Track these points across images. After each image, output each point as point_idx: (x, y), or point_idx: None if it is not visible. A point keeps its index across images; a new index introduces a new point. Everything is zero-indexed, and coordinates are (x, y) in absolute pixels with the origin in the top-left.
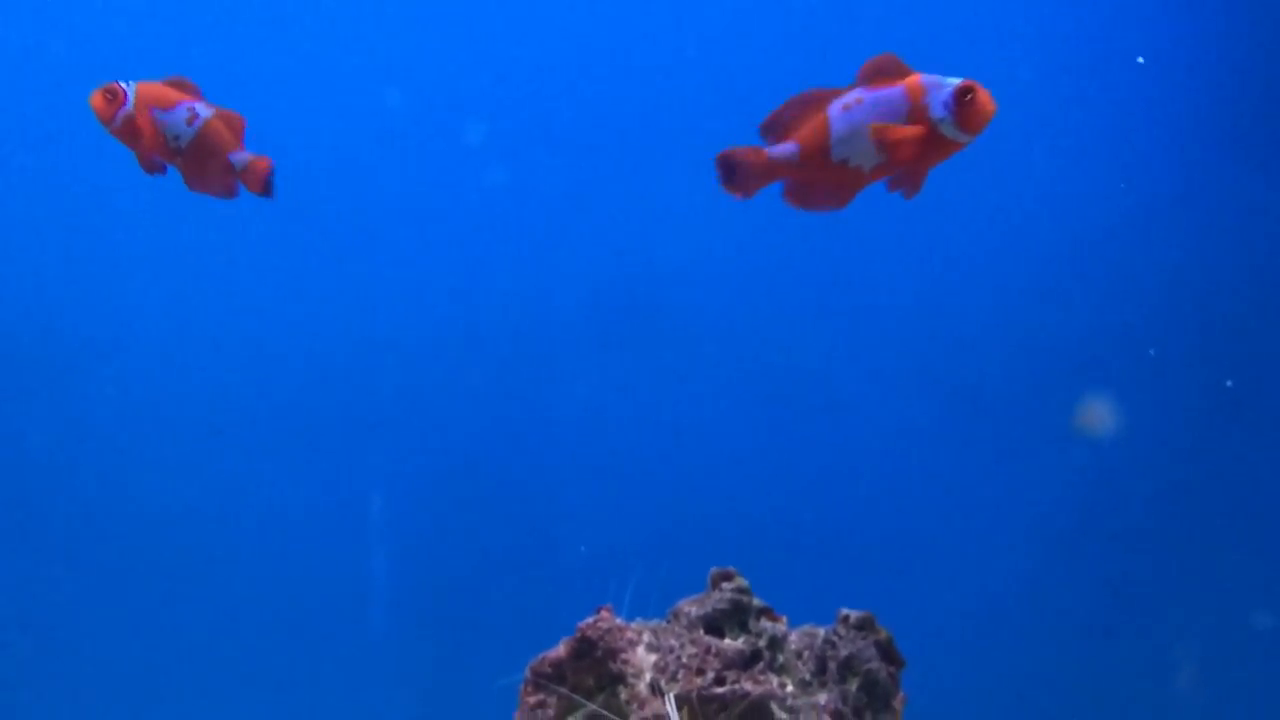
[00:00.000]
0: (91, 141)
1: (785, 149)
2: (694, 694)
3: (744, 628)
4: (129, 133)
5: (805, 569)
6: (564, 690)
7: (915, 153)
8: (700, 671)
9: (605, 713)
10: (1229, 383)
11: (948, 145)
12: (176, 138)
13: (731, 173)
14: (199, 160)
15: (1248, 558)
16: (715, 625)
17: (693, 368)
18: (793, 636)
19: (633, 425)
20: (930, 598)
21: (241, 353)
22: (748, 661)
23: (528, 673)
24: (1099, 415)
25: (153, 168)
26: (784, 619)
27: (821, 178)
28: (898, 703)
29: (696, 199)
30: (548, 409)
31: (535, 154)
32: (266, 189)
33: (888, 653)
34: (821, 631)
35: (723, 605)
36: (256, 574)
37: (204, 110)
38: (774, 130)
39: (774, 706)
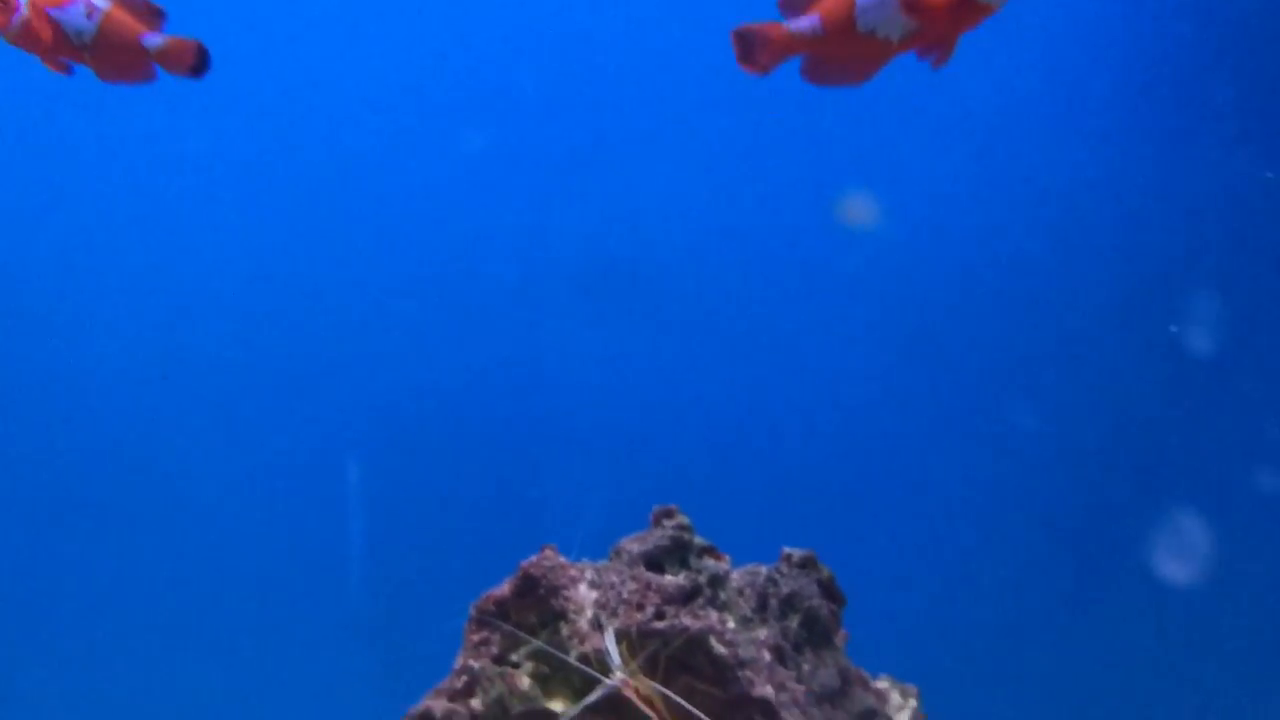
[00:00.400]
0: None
1: (807, 21)
2: (633, 629)
3: (685, 564)
4: (28, 38)
5: (755, 512)
6: (507, 627)
7: (948, 18)
8: (640, 607)
9: (547, 648)
10: (1173, 328)
11: (980, 9)
12: (79, 34)
13: (749, 48)
14: (107, 52)
15: (1200, 498)
16: (656, 562)
17: (652, 320)
18: (735, 574)
19: (594, 376)
20: (874, 538)
21: (218, 301)
22: (688, 597)
23: (472, 611)
24: (1050, 365)
25: (60, 68)
26: (727, 558)
27: (846, 51)
28: (839, 639)
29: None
30: (507, 359)
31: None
32: (196, 70)
33: (829, 590)
34: (764, 570)
35: (664, 542)
36: (220, 522)
37: (101, 2)
38: (794, 4)
39: (713, 640)
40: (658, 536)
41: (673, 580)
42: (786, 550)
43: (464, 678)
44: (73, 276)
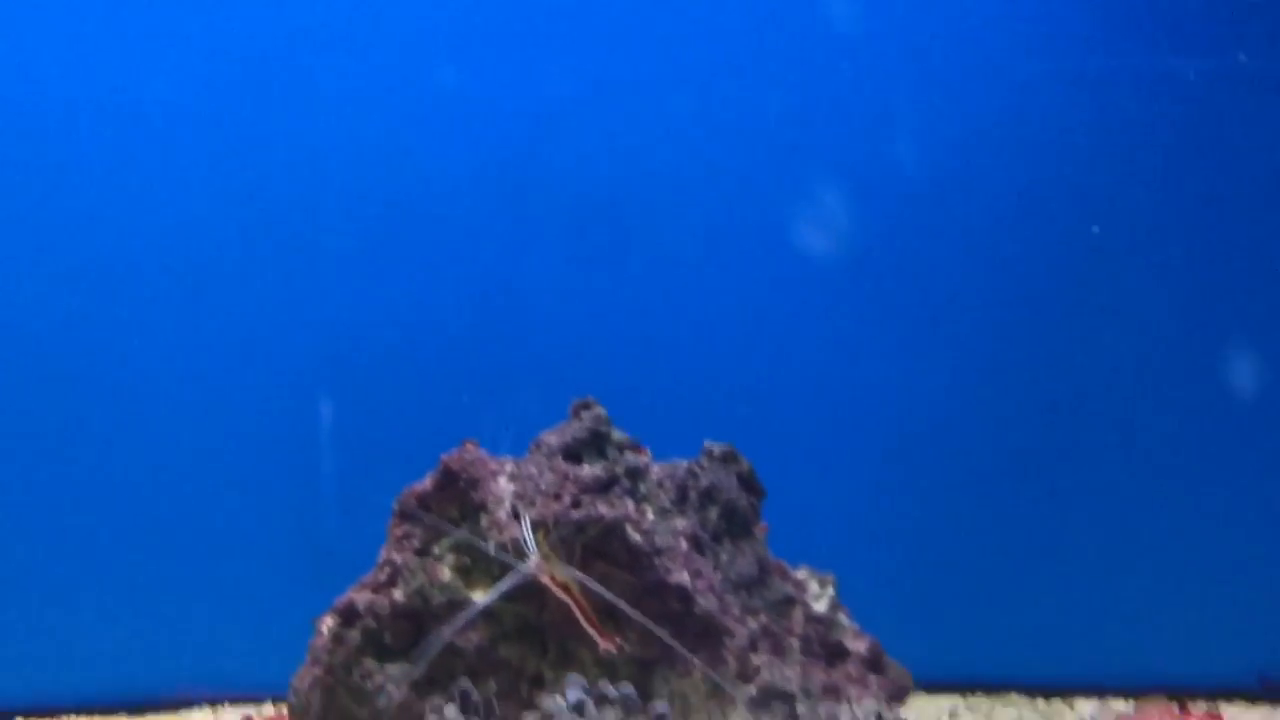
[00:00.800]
0: None
1: None
2: (550, 518)
3: (602, 455)
4: None
5: (687, 416)
6: (429, 519)
7: None
8: (557, 497)
9: (469, 536)
10: (1095, 228)
11: None
12: None
13: None
14: None
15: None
16: (574, 453)
17: (595, 236)
18: (655, 468)
19: (532, 289)
20: (797, 434)
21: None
22: (604, 486)
23: (395, 505)
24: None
25: None
26: (647, 452)
27: None
28: (759, 531)
29: None
30: (458, 281)
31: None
32: None
33: (748, 483)
34: (684, 464)
35: (581, 434)
36: (159, 431)
37: None
38: None
39: (628, 528)
40: (575, 428)
41: (590, 471)
42: (708, 444)
43: (387, 570)
44: (28, 198)
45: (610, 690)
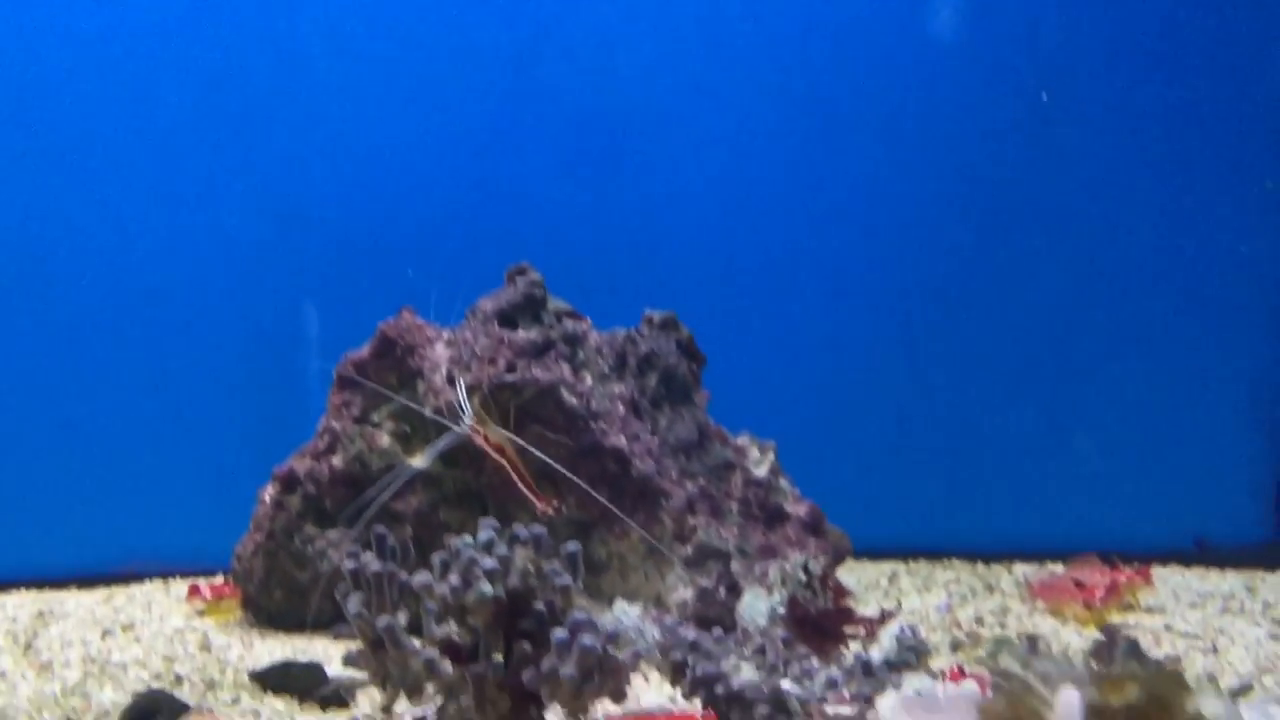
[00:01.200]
0: None
1: None
2: (485, 382)
3: (537, 320)
4: None
5: (628, 287)
6: (367, 387)
7: None
8: (492, 361)
9: (407, 402)
10: (1044, 96)
11: None
12: None
13: None
14: None
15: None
16: (509, 318)
17: (533, 109)
18: (594, 335)
19: (470, 162)
20: (739, 304)
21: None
22: (539, 351)
23: (334, 373)
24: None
25: None
26: (587, 319)
27: None
28: (699, 398)
29: None
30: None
31: None
32: None
33: (689, 350)
34: (624, 331)
35: (516, 299)
36: (110, 298)
37: None
38: None
39: (563, 392)
40: (510, 294)
41: (525, 335)
42: (648, 312)
43: (326, 438)
44: None
45: (521, 531)
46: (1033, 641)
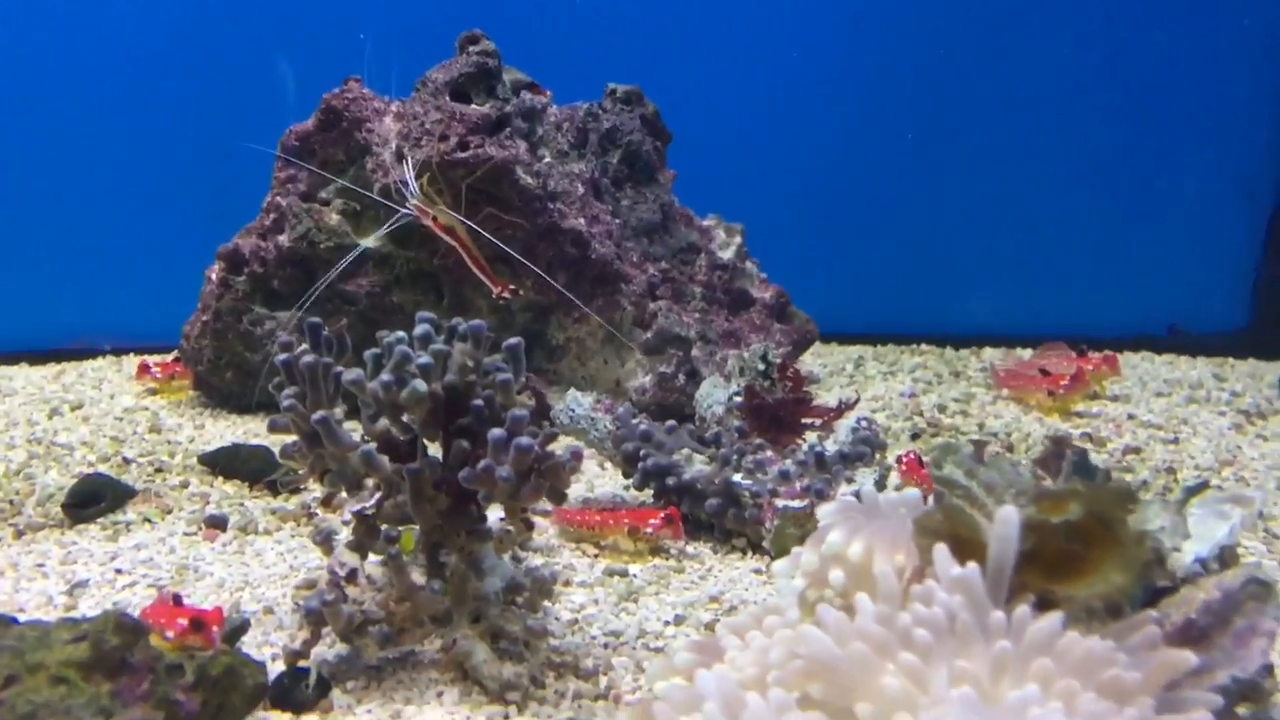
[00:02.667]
0: None
1: None
2: (435, 159)
3: (491, 93)
4: None
5: (589, 55)
6: (312, 165)
7: None
8: (443, 138)
9: (350, 185)
10: None
11: None
12: None
13: None
14: None
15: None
16: (461, 91)
17: None
18: (554, 110)
19: None
20: (705, 76)
21: None
22: (494, 126)
23: (278, 147)
24: None
25: None
26: (548, 93)
27: None
28: (664, 177)
29: None
30: None
31: None
32: None
33: (653, 126)
34: (585, 105)
35: (468, 69)
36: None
37: None
38: None
39: (519, 171)
40: (462, 63)
41: (477, 109)
42: (611, 86)
43: (272, 215)
44: None
45: (460, 324)
46: (979, 448)
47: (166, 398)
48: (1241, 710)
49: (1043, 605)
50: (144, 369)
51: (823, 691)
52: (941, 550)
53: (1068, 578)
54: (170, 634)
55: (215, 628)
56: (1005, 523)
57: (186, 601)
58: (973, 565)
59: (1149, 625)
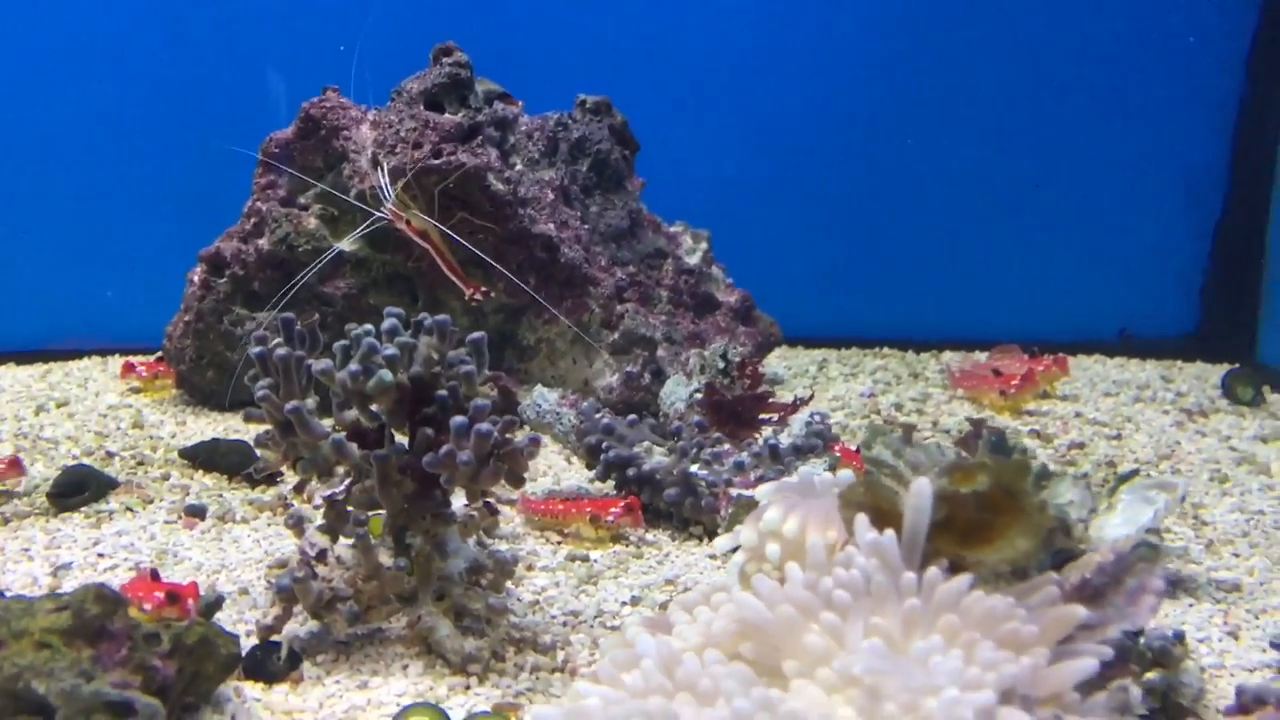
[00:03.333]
0: None
1: None
2: (409, 166)
3: (464, 103)
4: None
5: (559, 66)
6: (292, 170)
7: None
8: (417, 145)
9: (328, 189)
10: None
11: None
12: None
13: None
14: None
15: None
16: (435, 101)
17: None
18: (525, 119)
19: None
20: (671, 86)
21: None
22: (466, 135)
23: (258, 154)
24: None
25: None
26: (519, 103)
27: None
28: (632, 185)
29: None
30: None
31: None
32: None
33: (621, 136)
34: (555, 115)
35: (442, 79)
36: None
37: None
38: None
39: (490, 177)
40: (436, 74)
41: (450, 118)
42: (581, 96)
43: (252, 220)
44: None
45: (427, 319)
46: (907, 431)
47: (150, 396)
48: (1153, 675)
49: (954, 569)
50: (129, 368)
51: (753, 651)
52: (861, 519)
53: (978, 544)
54: (148, 606)
55: (190, 601)
56: (919, 493)
57: (165, 580)
58: (889, 531)
59: (1048, 585)
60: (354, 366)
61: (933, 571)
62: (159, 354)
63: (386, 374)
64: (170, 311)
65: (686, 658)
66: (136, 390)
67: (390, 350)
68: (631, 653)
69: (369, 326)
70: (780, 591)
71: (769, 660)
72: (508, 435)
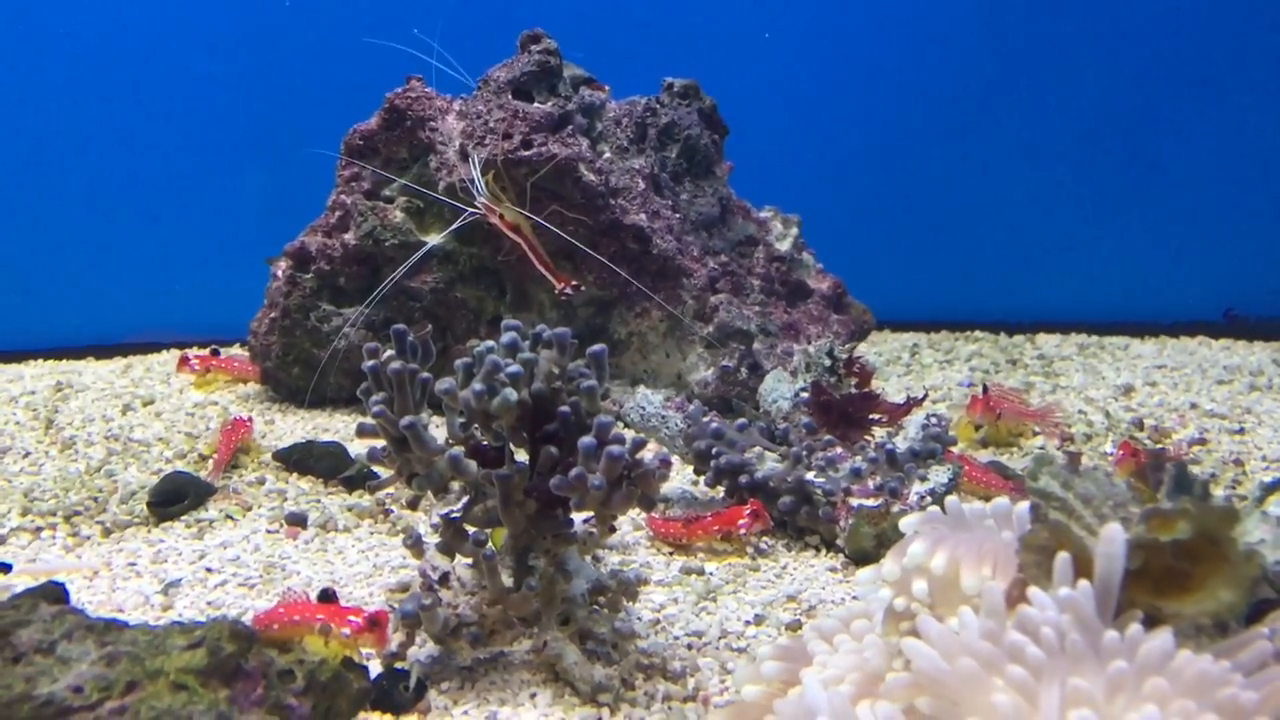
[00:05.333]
0: None
1: None
2: (500, 157)
3: (553, 91)
4: None
5: (645, 49)
6: (376, 163)
7: None
8: (507, 136)
9: (415, 186)
10: None
11: None
12: None
13: None
14: None
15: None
16: (524, 89)
17: None
18: (613, 105)
19: None
20: (758, 68)
21: None
22: (556, 124)
23: (341, 147)
24: None
25: None
26: (606, 88)
27: None
28: (721, 170)
29: None
30: None
31: None
32: None
33: (711, 120)
34: (643, 100)
35: (530, 68)
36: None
37: None
38: None
39: (582, 168)
40: (524, 62)
41: (540, 108)
42: (668, 80)
43: (337, 213)
44: None
45: (545, 331)
46: (1073, 459)
47: (201, 390)
48: None
49: (1150, 623)
50: (183, 361)
51: (931, 705)
52: (1061, 565)
53: (1175, 595)
54: (346, 631)
55: (386, 630)
56: (1111, 540)
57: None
58: (1083, 583)
59: (1260, 641)
60: (478, 386)
61: (1135, 629)
62: (241, 347)
63: (511, 393)
64: (251, 305)
65: (864, 714)
66: (198, 386)
67: (514, 368)
68: (801, 705)
69: (490, 344)
70: (956, 640)
71: (946, 717)
72: (638, 456)
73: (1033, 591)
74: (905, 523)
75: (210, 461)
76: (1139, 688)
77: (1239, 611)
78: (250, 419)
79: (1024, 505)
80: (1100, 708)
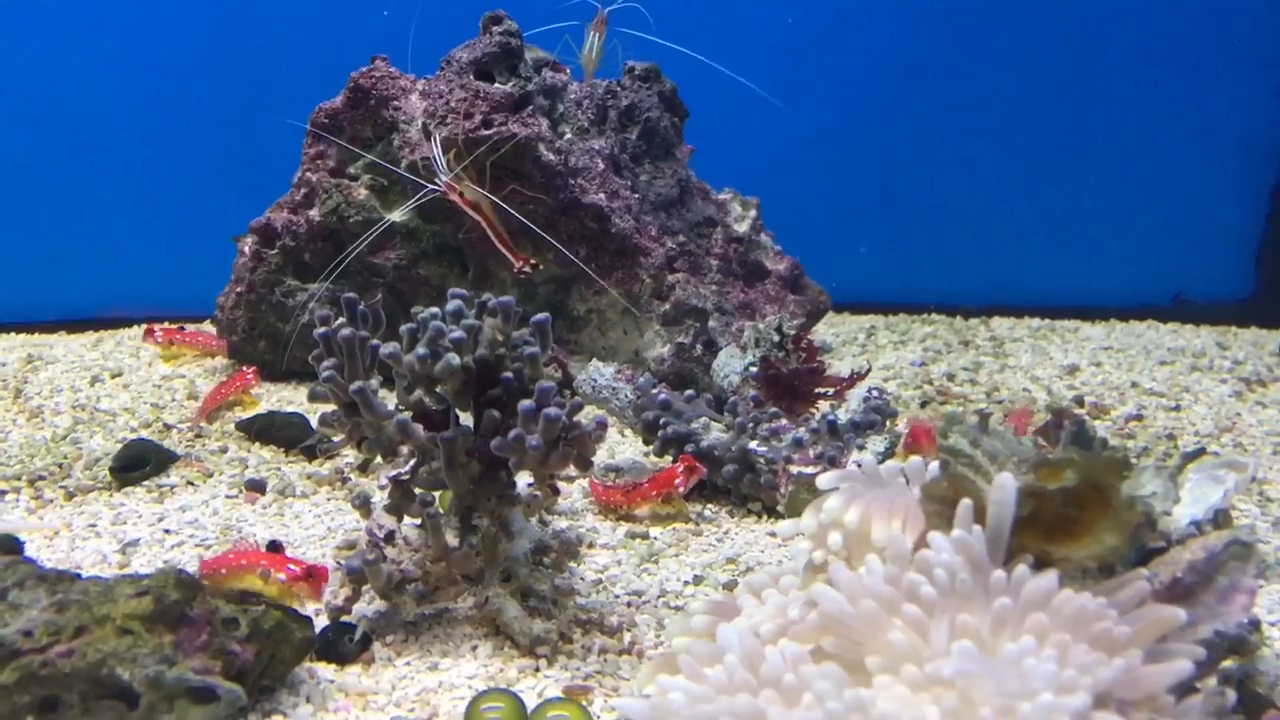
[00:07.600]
0: None
1: None
2: (461, 136)
3: (514, 72)
4: None
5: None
6: (342, 141)
7: None
8: (468, 115)
9: (379, 160)
10: None
11: None
12: None
13: None
14: None
15: None
16: (485, 70)
17: None
18: (574, 87)
19: None
20: (724, 49)
21: None
22: (517, 105)
23: (307, 125)
24: None
25: None
26: (567, 70)
27: None
28: (681, 153)
29: None
30: None
31: None
32: None
33: (671, 103)
34: (604, 83)
35: (492, 49)
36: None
37: None
38: None
39: (541, 148)
40: (486, 43)
41: (501, 88)
42: (630, 63)
43: (303, 190)
44: None
45: (490, 299)
46: (983, 419)
47: (169, 364)
48: (1228, 663)
49: (1040, 566)
50: (149, 332)
51: (835, 645)
52: (962, 511)
53: (1064, 540)
54: (282, 576)
55: (323, 583)
56: (1003, 488)
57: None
58: (976, 527)
59: (1139, 582)
60: (421, 350)
61: (1021, 569)
62: (211, 323)
63: (454, 357)
64: (219, 280)
65: (771, 653)
66: (164, 358)
67: (457, 333)
68: (714, 646)
69: (435, 310)
70: (861, 584)
71: (850, 655)
72: (575, 419)
73: (931, 535)
74: (823, 480)
75: (173, 431)
76: (1022, 622)
77: (1123, 555)
78: (253, 373)
79: (935, 464)
80: (984, 641)
